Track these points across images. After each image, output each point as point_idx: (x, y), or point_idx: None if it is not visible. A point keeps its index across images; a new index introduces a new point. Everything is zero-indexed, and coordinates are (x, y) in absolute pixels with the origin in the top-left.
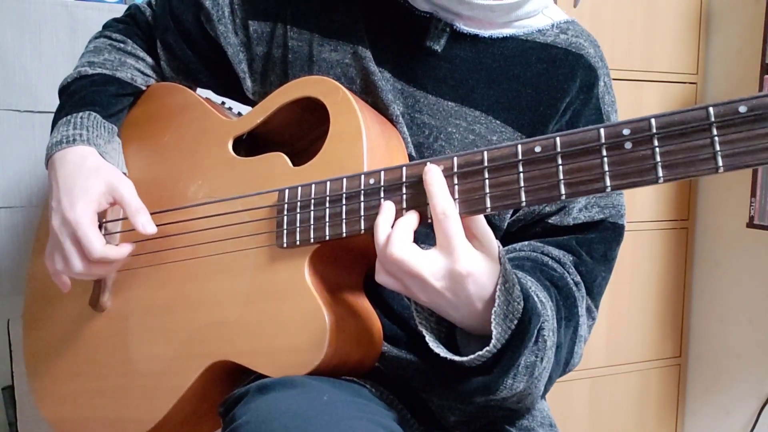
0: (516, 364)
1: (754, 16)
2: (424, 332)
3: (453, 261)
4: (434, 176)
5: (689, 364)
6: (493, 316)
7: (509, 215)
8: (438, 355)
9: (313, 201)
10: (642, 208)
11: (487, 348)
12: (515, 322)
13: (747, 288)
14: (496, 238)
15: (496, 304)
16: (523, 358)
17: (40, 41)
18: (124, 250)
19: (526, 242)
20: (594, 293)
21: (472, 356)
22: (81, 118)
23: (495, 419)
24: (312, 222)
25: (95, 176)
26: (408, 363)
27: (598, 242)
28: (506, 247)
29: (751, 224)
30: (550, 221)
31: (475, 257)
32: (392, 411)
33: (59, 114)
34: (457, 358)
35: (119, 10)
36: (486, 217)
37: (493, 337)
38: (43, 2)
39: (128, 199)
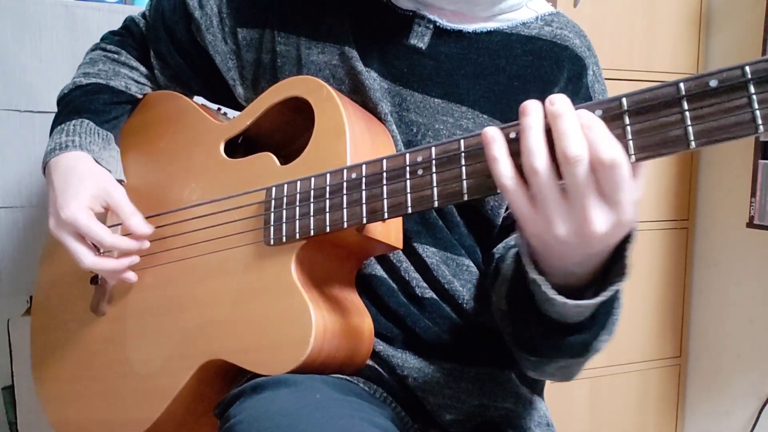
0: (613, 320)
1: (754, 16)
2: (542, 279)
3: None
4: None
5: (689, 364)
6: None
7: (503, 210)
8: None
9: (298, 197)
10: (642, 208)
11: (604, 293)
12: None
13: (747, 288)
14: (491, 232)
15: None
16: (618, 312)
17: (40, 41)
18: (132, 242)
19: None
20: None
21: (604, 295)
22: (74, 125)
23: (491, 418)
24: (297, 218)
25: (87, 180)
26: (404, 362)
27: None
28: (503, 242)
29: (751, 224)
30: None
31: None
32: (386, 409)
33: (54, 123)
34: (588, 301)
35: (119, 10)
36: (480, 211)
37: (616, 285)
38: (43, 2)
39: (121, 203)
